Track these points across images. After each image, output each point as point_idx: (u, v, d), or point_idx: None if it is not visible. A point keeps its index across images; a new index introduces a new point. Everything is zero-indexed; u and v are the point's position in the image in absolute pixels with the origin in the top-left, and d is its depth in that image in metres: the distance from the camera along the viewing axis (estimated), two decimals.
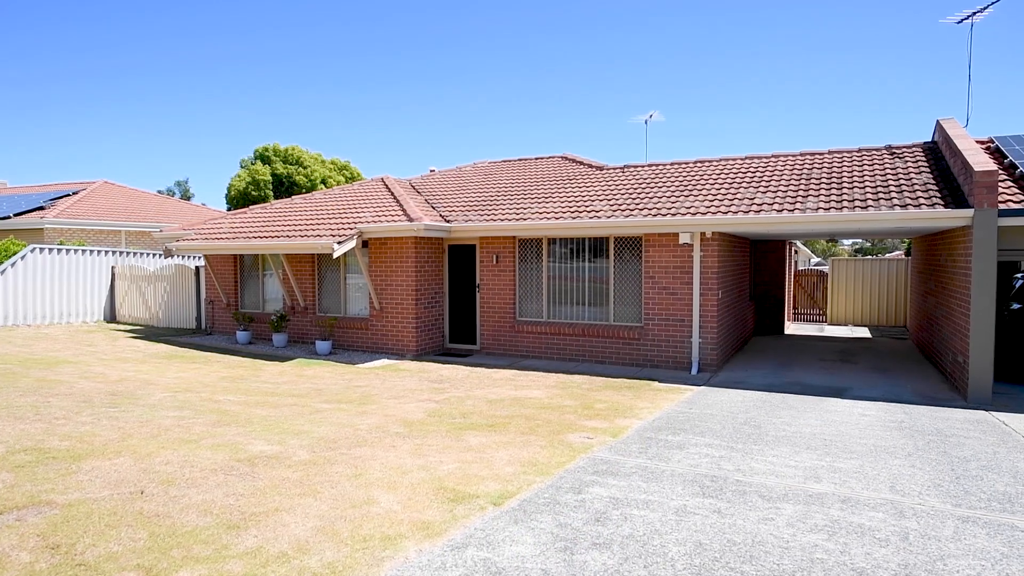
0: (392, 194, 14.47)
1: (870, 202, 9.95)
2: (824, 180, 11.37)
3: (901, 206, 9.59)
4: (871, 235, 14.42)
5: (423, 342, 12.91)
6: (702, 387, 9.64)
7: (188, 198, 52.97)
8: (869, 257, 19.54)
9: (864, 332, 17.06)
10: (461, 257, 13.42)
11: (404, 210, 12.96)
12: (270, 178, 34.61)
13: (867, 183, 10.80)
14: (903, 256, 23.34)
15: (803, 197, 10.68)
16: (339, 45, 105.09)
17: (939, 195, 9.75)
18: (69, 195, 22.78)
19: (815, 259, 39.50)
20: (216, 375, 10.20)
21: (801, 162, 12.74)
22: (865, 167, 11.67)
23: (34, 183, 29.75)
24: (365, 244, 13.16)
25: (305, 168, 35.39)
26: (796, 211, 10.14)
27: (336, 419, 6.98)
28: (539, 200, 13.17)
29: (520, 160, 17.31)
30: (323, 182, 35.54)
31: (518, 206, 13.06)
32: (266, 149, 36.02)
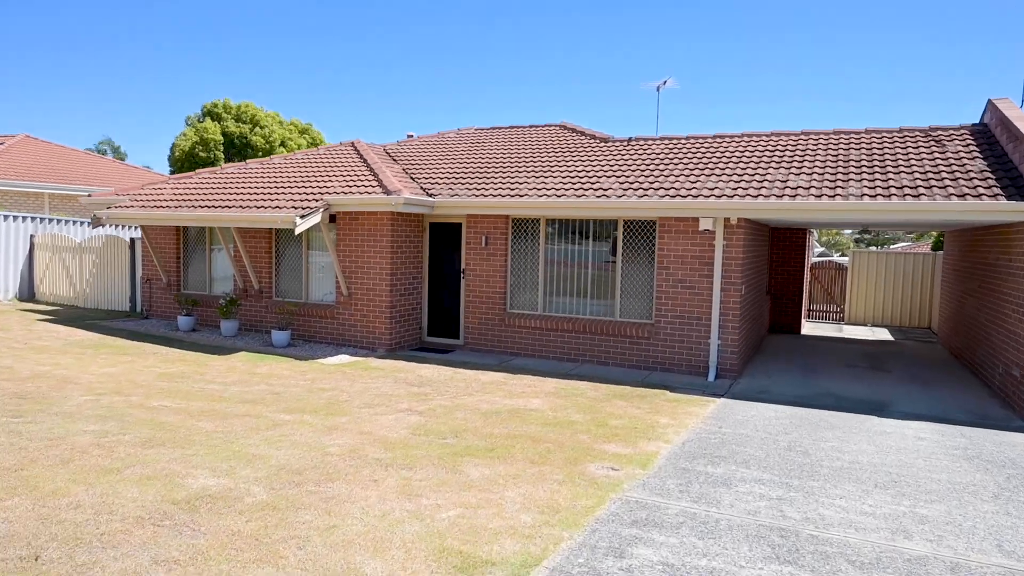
0: (365, 162, 13.44)
1: (922, 190, 9.31)
2: (865, 163, 10.71)
3: (959, 196, 8.96)
4: (918, 227, 13.89)
5: (398, 335, 12.01)
6: (724, 398, 8.96)
7: (122, 158, 50.63)
8: (894, 249, 19.12)
9: (885, 333, 16.62)
10: (444, 237, 12.50)
11: (380, 181, 11.97)
12: (220, 138, 33.02)
13: (914, 168, 10.15)
14: (928, 250, 23.03)
15: (843, 181, 9.99)
16: None
17: (999, 185, 9.15)
18: None
19: (818, 249, 39.33)
20: (152, 372, 9.18)
21: (835, 141, 12.06)
22: (909, 150, 11.03)
23: None
24: (333, 219, 12.15)
25: (262, 128, 33.86)
26: (838, 198, 9.45)
27: (300, 437, 6.09)
28: (536, 174, 12.29)
29: (512, 128, 16.36)
30: (282, 144, 34.06)
31: (512, 180, 12.16)
32: (215, 105, 34.34)
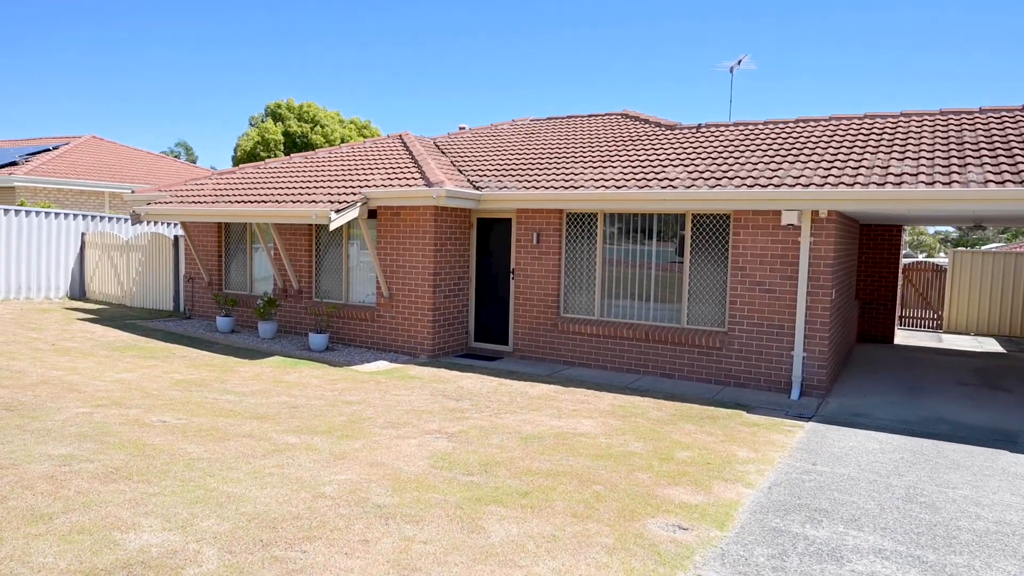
0: (410, 153, 12.48)
1: None
2: (985, 145, 9.00)
3: None
4: None
5: (441, 340, 10.96)
6: (813, 422, 7.51)
7: (194, 160, 51.76)
8: (986, 249, 16.90)
9: (993, 344, 14.56)
10: (493, 234, 11.38)
11: (422, 172, 10.96)
12: (281, 137, 32.99)
13: None
14: None
15: (959, 166, 8.35)
16: None
17: None
18: (49, 150, 21.38)
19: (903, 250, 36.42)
20: (170, 378, 8.41)
21: (944, 123, 10.33)
22: None
23: (17, 137, 28.60)
24: (373, 214, 11.22)
25: (323, 127, 33.67)
26: (955, 185, 7.83)
27: (296, 469, 5.06)
28: (594, 164, 11.02)
29: (570, 117, 15.12)
30: (342, 142, 33.78)
31: (567, 171, 10.94)
32: (279, 105, 34.38)
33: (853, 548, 4.14)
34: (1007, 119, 9.96)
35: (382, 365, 10.09)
